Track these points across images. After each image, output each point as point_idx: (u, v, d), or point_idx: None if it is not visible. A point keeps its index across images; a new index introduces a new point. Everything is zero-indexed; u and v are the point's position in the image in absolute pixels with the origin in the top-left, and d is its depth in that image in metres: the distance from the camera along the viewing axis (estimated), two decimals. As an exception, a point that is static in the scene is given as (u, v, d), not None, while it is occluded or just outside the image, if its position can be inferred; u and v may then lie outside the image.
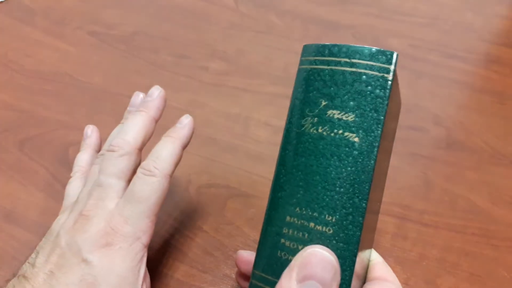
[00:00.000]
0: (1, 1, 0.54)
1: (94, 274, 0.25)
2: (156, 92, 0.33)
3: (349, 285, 0.20)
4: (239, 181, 0.39)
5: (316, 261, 0.19)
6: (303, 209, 0.21)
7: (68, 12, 0.53)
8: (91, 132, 0.36)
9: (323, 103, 0.21)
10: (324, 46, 0.22)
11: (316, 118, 0.21)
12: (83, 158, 0.34)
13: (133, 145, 0.30)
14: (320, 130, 0.21)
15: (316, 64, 0.22)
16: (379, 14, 0.54)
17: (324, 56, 0.22)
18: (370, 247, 0.26)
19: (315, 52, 0.22)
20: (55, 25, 0.52)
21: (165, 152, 0.29)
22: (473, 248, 0.36)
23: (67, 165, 0.40)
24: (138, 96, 0.35)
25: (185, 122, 0.32)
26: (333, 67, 0.21)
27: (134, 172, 0.29)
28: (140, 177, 0.28)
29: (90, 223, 0.26)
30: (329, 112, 0.21)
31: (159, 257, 0.35)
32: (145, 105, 0.32)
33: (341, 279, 0.20)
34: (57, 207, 0.38)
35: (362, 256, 0.22)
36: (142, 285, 0.26)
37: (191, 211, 0.37)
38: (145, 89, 0.46)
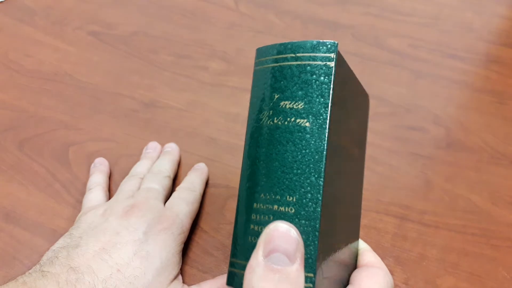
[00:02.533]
0: (1, 1, 0.54)
1: (147, 250, 0.28)
2: (174, 145, 0.41)
3: (315, 260, 0.21)
4: (239, 181, 0.39)
5: (278, 234, 0.20)
6: (267, 194, 0.23)
7: (68, 12, 0.53)
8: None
9: (276, 96, 0.23)
10: (272, 46, 0.24)
11: (271, 111, 0.23)
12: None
13: (171, 172, 0.38)
14: (275, 121, 0.23)
15: (268, 63, 0.24)
16: (379, 14, 0.54)
17: (274, 55, 0.24)
18: (356, 238, 0.28)
19: (266, 53, 0.24)
20: (55, 25, 0.52)
21: (197, 179, 0.37)
22: (473, 248, 0.36)
23: (67, 165, 0.40)
24: (154, 143, 0.41)
25: (202, 166, 0.39)
26: (281, 64, 0.23)
27: (169, 193, 0.36)
28: (184, 190, 0.35)
29: (144, 212, 0.31)
30: (282, 103, 0.23)
31: (159, 257, 0.34)
32: (170, 151, 0.40)
33: (307, 253, 0.21)
34: (57, 207, 0.38)
35: (351, 247, 0.24)
36: (179, 270, 0.31)
37: (191, 211, 0.37)
38: (145, 89, 0.46)
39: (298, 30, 0.52)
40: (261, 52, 0.24)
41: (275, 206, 0.22)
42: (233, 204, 0.38)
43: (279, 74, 0.23)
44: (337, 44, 0.23)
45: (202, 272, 0.34)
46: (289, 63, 0.23)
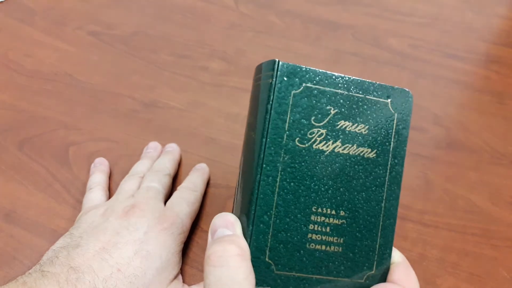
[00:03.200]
0: (1, 1, 0.54)
1: (148, 250, 0.29)
2: (175, 145, 0.41)
3: (252, 234, 0.23)
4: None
5: (217, 219, 0.24)
6: (319, 208, 0.25)
7: (68, 12, 0.53)
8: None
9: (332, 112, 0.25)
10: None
11: (325, 130, 0.25)
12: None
13: (171, 171, 0.38)
14: (331, 146, 0.25)
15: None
16: (379, 14, 0.54)
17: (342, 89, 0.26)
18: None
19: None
20: (55, 25, 0.52)
21: (198, 179, 0.37)
22: (473, 248, 0.36)
23: (67, 165, 0.40)
24: (154, 143, 0.41)
25: (203, 166, 0.39)
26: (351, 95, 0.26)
27: (169, 192, 0.36)
28: (185, 190, 0.35)
29: (144, 212, 0.31)
30: (340, 123, 0.26)
31: (159, 257, 0.34)
32: (170, 151, 0.40)
33: (247, 230, 0.24)
34: (57, 207, 0.38)
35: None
36: (179, 270, 0.31)
37: (191, 211, 0.37)
38: (145, 89, 0.46)
39: (298, 30, 0.52)
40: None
41: (331, 219, 0.24)
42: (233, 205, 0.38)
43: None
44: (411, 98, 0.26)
45: (202, 272, 0.34)
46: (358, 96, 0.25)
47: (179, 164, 0.40)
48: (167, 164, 0.38)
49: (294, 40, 0.51)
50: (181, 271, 0.34)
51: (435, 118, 0.44)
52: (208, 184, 0.39)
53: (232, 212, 0.26)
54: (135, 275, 0.27)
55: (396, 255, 0.26)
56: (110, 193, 0.38)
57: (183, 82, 0.47)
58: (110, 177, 0.40)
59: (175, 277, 0.30)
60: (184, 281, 0.32)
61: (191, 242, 0.35)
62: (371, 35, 0.52)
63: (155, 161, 0.38)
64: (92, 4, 0.54)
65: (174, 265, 0.30)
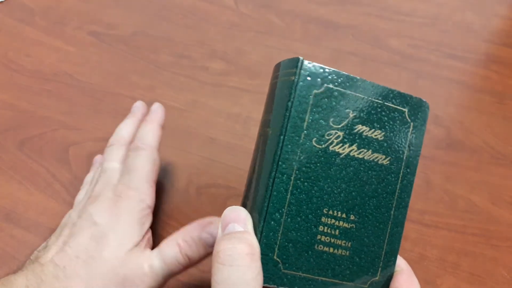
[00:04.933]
0: (1, 1, 0.54)
1: (102, 230, 0.29)
2: (158, 105, 0.38)
3: (263, 231, 0.23)
4: (239, 181, 0.39)
5: (228, 212, 0.24)
6: (330, 210, 0.25)
7: (68, 12, 0.53)
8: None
9: (351, 115, 0.25)
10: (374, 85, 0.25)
11: (343, 132, 0.25)
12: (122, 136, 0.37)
13: (128, 138, 0.36)
14: (347, 149, 0.25)
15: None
16: (379, 14, 0.54)
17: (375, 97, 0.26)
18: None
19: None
20: (55, 25, 0.52)
21: (146, 131, 0.35)
22: (473, 248, 0.36)
23: (67, 165, 0.40)
24: (140, 103, 0.39)
25: (156, 107, 0.37)
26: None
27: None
28: (131, 154, 0.33)
29: (99, 197, 0.31)
30: (358, 127, 0.25)
31: (159, 257, 0.34)
32: (154, 115, 0.37)
33: (258, 227, 0.24)
34: (57, 207, 0.38)
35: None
36: (144, 236, 0.30)
37: (191, 211, 0.37)
38: (145, 89, 0.46)
39: (298, 30, 0.52)
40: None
41: (341, 223, 0.25)
42: (233, 204, 0.38)
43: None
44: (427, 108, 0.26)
45: (202, 272, 0.34)
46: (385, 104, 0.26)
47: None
48: (122, 133, 0.36)
49: (294, 40, 0.51)
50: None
51: (435, 118, 0.44)
52: (207, 184, 0.39)
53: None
54: (91, 257, 0.28)
55: (401, 263, 0.26)
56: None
57: (183, 82, 0.47)
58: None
59: (136, 244, 0.30)
60: (184, 281, 0.33)
61: (191, 242, 0.35)
62: (371, 35, 0.52)
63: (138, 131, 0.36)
64: (92, 4, 0.54)
65: (133, 234, 0.30)
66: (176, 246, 0.29)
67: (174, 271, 0.29)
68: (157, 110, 0.37)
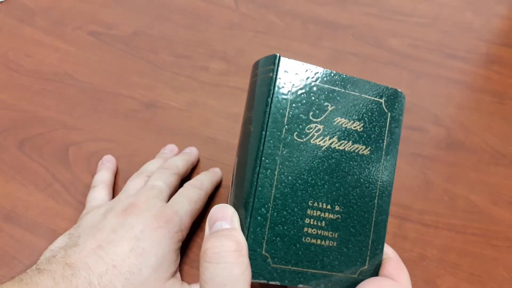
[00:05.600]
0: (1, 1, 0.54)
1: (143, 247, 0.29)
2: (194, 149, 0.41)
3: (250, 227, 0.24)
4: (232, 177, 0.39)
5: (215, 210, 0.25)
6: (315, 202, 0.25)
7: (68, 12, 0.53)
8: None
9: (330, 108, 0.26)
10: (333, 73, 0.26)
11: (322, 126, 0.25)
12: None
13: (181, 170, 0.37)
14: (328, 142, 0.25)
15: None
16: (379, 14, 0.54)
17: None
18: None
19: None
20: (55, 25, 0.52)
21: (207, 179, 0.37)
22: (473, 248, 0.36)
23: (67, 165, 0.40)
24: (172, 145, 0.41)
25: (216, 170, 0.39)
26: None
27: (174, 191, 0.35)
28: (190, 187, 0.35)
29: (142, 210, 0.31)
30: (337, 120, 0.26)
31: (159, 257, 0.34)
32: (188, 152, 0.40)
33: (245, 223, 0.24)
34: (57, 207, 0.38)
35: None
36: (177, 268, 0.31)
37: (191, 211, 0.37)
38: (145, 89, 0.46)
39: (298, 30, 0.52)
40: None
41: (326, 214, 0.25)
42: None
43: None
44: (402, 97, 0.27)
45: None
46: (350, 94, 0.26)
47: (195, 168, 0.40)
48: (178, 163, 0.37)
49: (294, 40, 0.51)
50: (181, 271, 0.34)
51: (435, 118, 0.44)
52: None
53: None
54: (131, 272, 0.27)
55: (388, 251, 0.26)
56: (114, 192, 0.38)
57: (183, 82, 0.47)
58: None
59: (173, 275, 0.30)
60: (184, 281, 0.32)
61: (191, 242, 0.35)
62: (371, 35, 0.52)
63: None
64: (92, 4, 0.54)
65: (171, 263, 0.30)
66: None
67: None
68: (217, 173, 0.39)
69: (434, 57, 0.50)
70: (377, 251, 0.26)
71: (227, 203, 0.26)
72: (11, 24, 0.52)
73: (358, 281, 0.25)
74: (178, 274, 0.31)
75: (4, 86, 0.46)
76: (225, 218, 0.24)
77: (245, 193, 0.24)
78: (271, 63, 0.25)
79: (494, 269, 0.35)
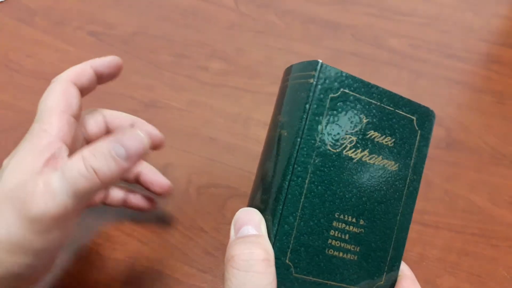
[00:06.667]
0: (1, 1, 0.54)
1: (3, 168, 0.26)
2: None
3: (276, 234, 0.23)
4: (239, 181, 0.39)
5: (241, 214, 0.24)
6: (341, 215, 0.25)
7: (68, 12, 0.53)
8: None
9: (365, 121, 0.26)
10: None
11: (356, 138, 0.25)
12: None
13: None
14: (359, 155, 0.25)
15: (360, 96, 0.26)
16: (379, 14, 0.54)
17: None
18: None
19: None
20: (55, 25, 0.52)
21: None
22: (473, 248, 0.36)
23: (67, 165, 0.40)
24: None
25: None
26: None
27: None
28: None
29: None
30: (370, 133, 0.26)
31: (159, 257, 0.34)
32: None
33: (271, 230, 0.23)
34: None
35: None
36: (48, 162, 0.25)
37: (191, 211, 0.37)
38: (145, 89, 0.46)
39: (298, 30, 0.52)
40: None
41: (351, 227, 0.25)
42: (233, 204, 0.38)
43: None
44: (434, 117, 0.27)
45: (202, 272, 0.34)
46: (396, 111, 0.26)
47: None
48: (61, 74, 0.33)
49: (294, 40, 0.51)
50: (181, 271, 0.34)
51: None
52: (207, 184, 0.39)
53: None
54: None
55: (404, 268, 0.26)
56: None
57: (183, 82, 0.47)
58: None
59: (37, 171, 0.25)
60: (184, 281, 0.32)
61: (191, 242, 0.35)
62: (371, 35, 0.52)
63: None
64: (92, 4, 0.54)
65: (29, 162, 0.26)
66: (80, 159, 0.24)
67: (81, 189, 0.24)
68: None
69: (434, 57, 0.50)
70: (394, 268, 0.26)
71: (247, 206, 0.26)
72: (11, 24, 0.52)
73: None
74: (45, 167, 0.26)
75: (4, 86, 0.46)
76: (252, 223, 0.23)
77: (273, 199, 0.24)
78: (312, 69, 0.24)
79: (494, 269, 0.35)
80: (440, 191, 0.39)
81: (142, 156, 0.25)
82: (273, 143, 0.26)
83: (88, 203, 0.32)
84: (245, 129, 0.43)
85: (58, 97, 0.31)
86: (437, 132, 0.43)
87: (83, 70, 0.33)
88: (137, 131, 0.25)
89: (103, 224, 0.36)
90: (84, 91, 0.32)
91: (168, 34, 0.51)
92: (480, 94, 0.47)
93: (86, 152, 0.24)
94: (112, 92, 0.46)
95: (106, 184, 0.24)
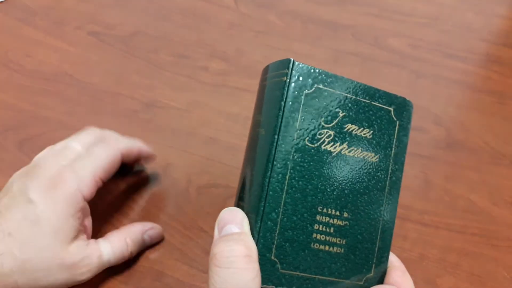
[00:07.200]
0: (1, 1, 0.54)
1: (37, 213, 0.28)
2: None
3: (260, 231, 0.23)
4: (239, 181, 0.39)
5: (225, 213, 0.25)
6: (325, 208, 0.25)
7: (68, 12, 0.53)
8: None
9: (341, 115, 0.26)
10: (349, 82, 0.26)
11: (333, 132, 0.25)
12: None
13: (103, 133, 0.34)
14: (338, 148, 0.26)
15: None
16: (379, 14, 0.54)
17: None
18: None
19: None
20: (55, 25, 0.52)
21: (122, 137, 0.35)
22: (473, 248, 0.36)
23: (67, 165, 0.40)
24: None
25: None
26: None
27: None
28: (98, 144, 0.32)
29: (41, 170, 0.30)
30: (347, 126, 0.26)
31: (159, 257, 0.35)
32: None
33: (255, 227, 0.24)
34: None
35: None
36: (80, 232, 0.30)
37: (191, 211, 0.37)
38: (145, 89, 0.46)
39: (298, 30, 0.52)
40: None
41: (335, 220, 0.25)
42: (233, 204, 0.38)
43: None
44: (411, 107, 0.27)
45: (202, 272, 0.34)
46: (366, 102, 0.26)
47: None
48: (118, 136, 0.35)
49: (294, 40, 0.51)
50: (181, 271, 0.34)
51: (435, 118, 0.44)
52: (207, 184, 0.39)
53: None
54: (25, 240, 0.27)
55: (393, 259, 0.26)
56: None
57: (183, 82, 0.47)
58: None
59: (75, 238, 0.29)
60: (184, 281, 0.32)
61: (191, 242, 0.35)
62: (371, 35, 0.52)
63: None
64: (92, 4, 0.54)
65: (70, 228, 0.29)
66: (125, 244, 0.32)
67: (116, 263, 0.32)
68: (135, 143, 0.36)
69: (434, 57, 0.50)
70: (383, 259, 0.26)
71: (234, 206, 0.26)
72: (11, 24, 0.52)
73: None
74: (83, 235, 0.30)
75: (4, 86, 0.46)
76: (235, 222, 0.24)
77: (256, 197, 0.24)
78: (285, 67, 0.25)
79: (494, 269, 0.35)
80: (440, 191, 0.39)
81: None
82: (253, 142, 0.26)
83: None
84: (245, 129, 0.43)
85: (106, 165, 0.32)
86: (437, 132, 0.43)
87: (132, 148, 0.35)
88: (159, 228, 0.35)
89: (103, 224, 0.36)
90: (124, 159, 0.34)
91: (168, 34, 0.51)
92: (480, 94, 0.47)
93: (128, 238, 0.32)
94: (112, 92, 0.46)
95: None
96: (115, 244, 0.31)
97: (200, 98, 0.46)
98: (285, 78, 0.24)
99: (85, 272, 0.29)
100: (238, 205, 0.26)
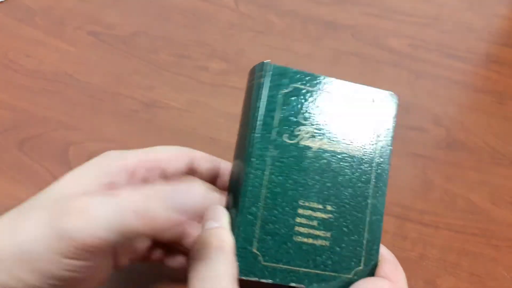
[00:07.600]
0: (1, 1, 0.54)
1: None
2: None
3: (240, 225, 0.24)
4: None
5: (207, 211, 0.25)
6: (306, 202, 0.26)
7: (68, 12, 0.53)
8: None
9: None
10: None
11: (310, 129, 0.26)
12: None
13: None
14: (317, 143, 0.26)
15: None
16: (379, 14, 0.54)
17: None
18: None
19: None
20: (55, 25, 0.52)
21: None
22: (473, 248, 0.36)
23: (67, 165, 0.40)
24: None
25: None
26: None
27: None
28: None
29: None
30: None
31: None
32: None
33: (235, 221, 0.24)
34: (57, 207, 0.38)
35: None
36: None
37: (191, 211, 0.37)
38: (145, 89, 0.46)
39: (298, 30, 0.52)
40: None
41: (318, 214, 0.25)
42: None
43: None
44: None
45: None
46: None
47: None
48: None
49: (294, 40, 0.51)
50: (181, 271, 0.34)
51: (435, 118, 0.44)
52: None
53: (226, 207, 0.26)
54: None
55: (384, 252, 0.26)
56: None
57: (183, 82, 0.47)
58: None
59: None
60: (184, 281, 0.32)
61: (191, 242, 0.35)
62: (371, 35, 0.52)
63: None
64: (92, 4, 0.54)
65: None
66: (141, 196, 0.24)
67: (127, 226, 0.23)
68: None
69: (434, 57, 0.50)
70: (373, 252, 0.26)
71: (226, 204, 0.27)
72: (11, 24, 0.52)
73: (354, 282, 0.25)
74: None
75: (4, 86, 0.46)
76: (215, 218, 0.25)
77: (237, 192, 0.25)
78: (261, 69, 0.26)
79: (494, 269, 0.35)
80: (440, 191, 0.39)
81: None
82: (238, 141, 0.28)
83: (117, 263, 0.26)
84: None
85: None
86: (437, 132, 0.43)
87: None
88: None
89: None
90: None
91: (168, 34, 0.51)
92: (480, 94, 0.47)
93: (151, 191, 0.24)
94: (112, 92, 0.46)
95: (154, 231, 0.23)
96: (125, 196, 0.25)
97: (200, 98, 0.46)
98: (261, 80, 0.26)
99: None
100: (227, 204, 0.27)
